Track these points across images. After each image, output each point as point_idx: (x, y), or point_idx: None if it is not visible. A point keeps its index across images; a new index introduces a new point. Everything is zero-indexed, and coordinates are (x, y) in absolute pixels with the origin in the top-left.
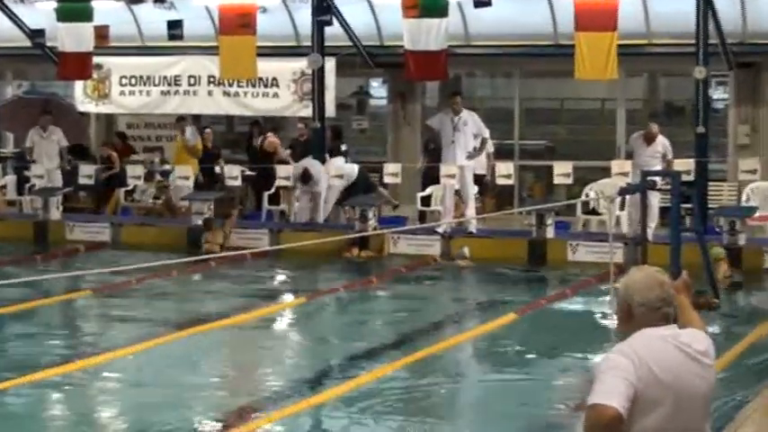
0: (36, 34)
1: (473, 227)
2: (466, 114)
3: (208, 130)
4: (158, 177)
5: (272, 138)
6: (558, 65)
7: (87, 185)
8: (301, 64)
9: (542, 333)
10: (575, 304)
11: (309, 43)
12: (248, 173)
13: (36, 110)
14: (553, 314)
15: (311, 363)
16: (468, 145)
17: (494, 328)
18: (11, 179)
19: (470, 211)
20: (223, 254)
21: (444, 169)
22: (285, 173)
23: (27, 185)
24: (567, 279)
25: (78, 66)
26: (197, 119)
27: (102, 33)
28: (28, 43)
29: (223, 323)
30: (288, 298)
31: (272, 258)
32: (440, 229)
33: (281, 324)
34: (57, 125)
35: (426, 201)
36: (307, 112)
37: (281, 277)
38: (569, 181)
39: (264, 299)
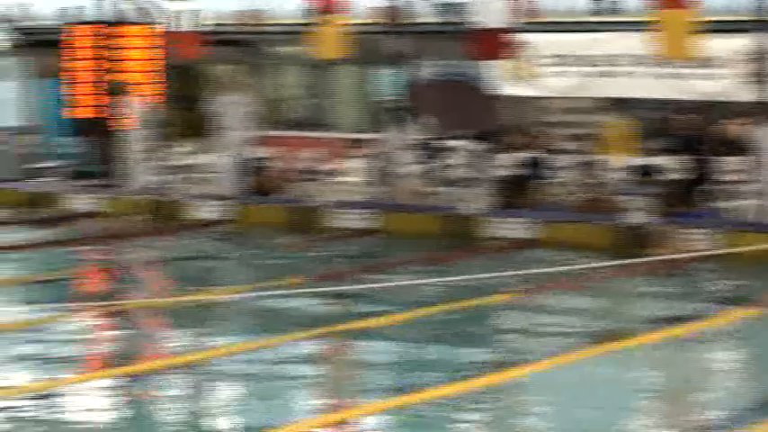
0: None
1: None
2: None
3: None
4: (588, 169)
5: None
6: None
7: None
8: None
9: None
10: None
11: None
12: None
13: (448, 93)
14: None
15: (753, 389)
16: None
17: None
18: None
19: None
20: (656, 257)
21: None
22: (735, 165)
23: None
24: None
25: (495, 44)
26: (625, 103)
27: (522, 8)
28: (440, 20)
29: (653, 336)
30: (731, 309)
31: (716, 263)
32: None
33: (720, 340)
34: (466, 109)
35: None
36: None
37: (725, 284)
38: None
39: (703, 309)
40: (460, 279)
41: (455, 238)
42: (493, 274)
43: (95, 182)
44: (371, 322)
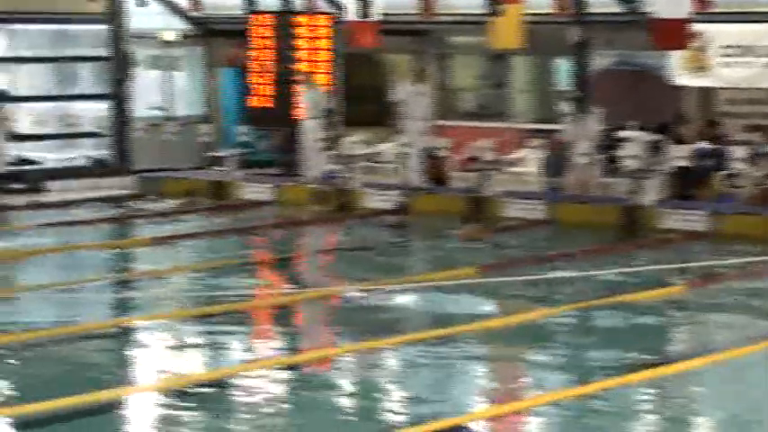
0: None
1: None
2: None
3: None
4: (763, 161)
5: None
6: None
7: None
8: None
9: None
10: None
11: None
12: None
13: (628, 82)
14: None
15: None
16: None
17: None
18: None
19: None
20: None
21: None
22: None
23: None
24: None
25: (675, 34)
26: None
27: None
28: (619, 9)
29: None
30: None
31: None
32: None
33: None
34: (646, 100)
35: None
36: None
37: None
38: None
39: None
40: (630, 271)
41: (627, 230)
42: (663, 267)
43: (271, 171)
44: (539, 313)
